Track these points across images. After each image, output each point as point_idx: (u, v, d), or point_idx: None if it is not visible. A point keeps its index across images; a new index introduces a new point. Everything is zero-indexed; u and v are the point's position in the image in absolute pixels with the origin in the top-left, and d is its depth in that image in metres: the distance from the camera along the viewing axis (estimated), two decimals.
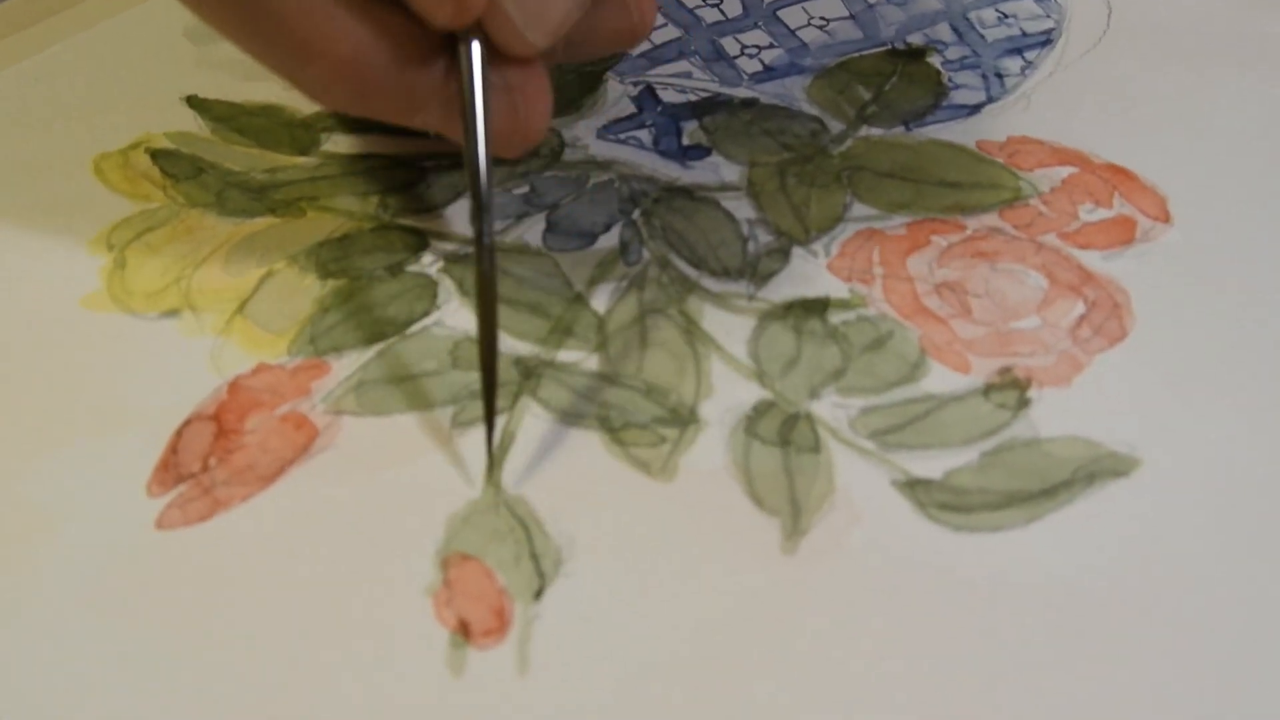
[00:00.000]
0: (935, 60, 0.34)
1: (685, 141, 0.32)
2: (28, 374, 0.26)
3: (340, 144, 0.32)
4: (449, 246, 0.29)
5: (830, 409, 0.25)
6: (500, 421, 0.25)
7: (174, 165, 0.31)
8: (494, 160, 0.25)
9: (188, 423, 0.25)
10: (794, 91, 0.34)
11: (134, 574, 0.23)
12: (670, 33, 0.35)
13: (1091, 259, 0.29)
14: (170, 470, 0.24)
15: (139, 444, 0.25)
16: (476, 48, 0.24)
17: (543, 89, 0.26)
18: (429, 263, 0.29)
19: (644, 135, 0.32)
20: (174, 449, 0.25)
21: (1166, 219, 0.30)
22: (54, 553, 0.23)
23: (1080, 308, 0.27)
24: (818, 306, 0.27)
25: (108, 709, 0.21)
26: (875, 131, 0.32)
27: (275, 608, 0.22)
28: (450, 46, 0.25)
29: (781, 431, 0.25)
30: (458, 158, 0.30)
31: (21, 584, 0.23)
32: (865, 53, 0.34)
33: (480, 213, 0.24)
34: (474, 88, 0.25)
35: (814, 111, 0.33)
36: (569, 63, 0.33)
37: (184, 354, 0.27)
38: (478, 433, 0.25)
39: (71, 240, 0.29)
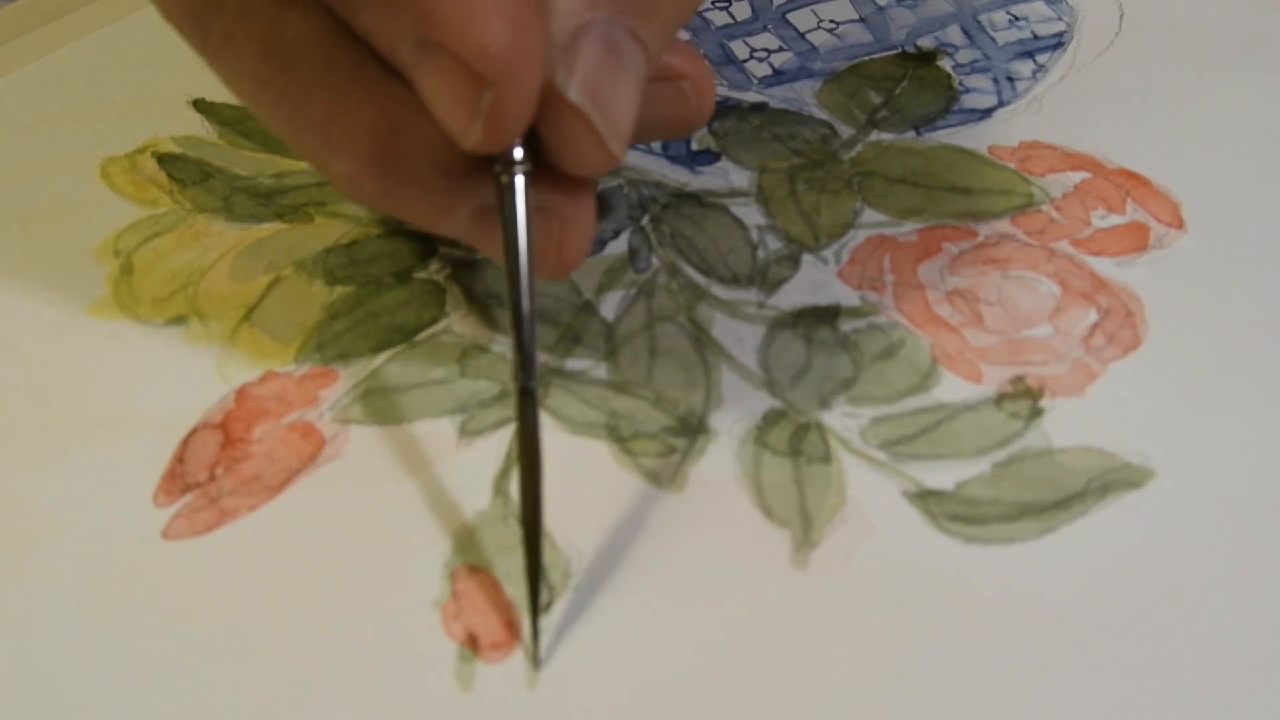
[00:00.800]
0: (946, 64, 0.34)
1: (694, 147, 0.32)
2: (34, 381, 0.26)
3: None
4: (457, 253, 0.29)
5: (841, 419, 0.25)
6: (509, 430, 0.25)
7: (181, 170, 0.31)
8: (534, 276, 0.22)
9: (194, 432, 0.25)
10: (804, 96, 0.33)
11: (140, 584, 0.23)
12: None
13: (1104, 266, 0.28)
14: (177, 480, 0.24)
15: (145, 453, 0.25)
16: (521, 182, 0.22)
17: (588, 211, 0.23)
18: (437, 269, 0.28)
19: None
20: (180, 458, 0.25)
21: (1180, 225, 0.29)
22: (60, 562, 0.23)
23: (1093, 315, 0.27)
24: (828, 314, 0.27)
25: (112, 718, 0.21)
26: (886, 136, 0.32)
27: (282, 619, 0.22)
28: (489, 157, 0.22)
29: (792, 442, 0.25)
30: None
31: (27, 593, 0.23)
32: (875, 56, 0.34)
33: (525, 365, 0.22)
34: (517, 228, 0.22)
35: (824, 116, 0.33)
36: None
37: (191, 362, 0.27)
38: (485, 442, 0.25)
39: (78, 246, 0.29)
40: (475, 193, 0.23)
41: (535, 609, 0.22)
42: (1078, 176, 0.31)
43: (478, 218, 0.23)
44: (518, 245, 0.22)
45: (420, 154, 0.22)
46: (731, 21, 0.36)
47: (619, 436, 0.25)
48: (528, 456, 0.22)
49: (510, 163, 0.22)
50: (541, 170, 0.22)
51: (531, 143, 0.22)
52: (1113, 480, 0.24)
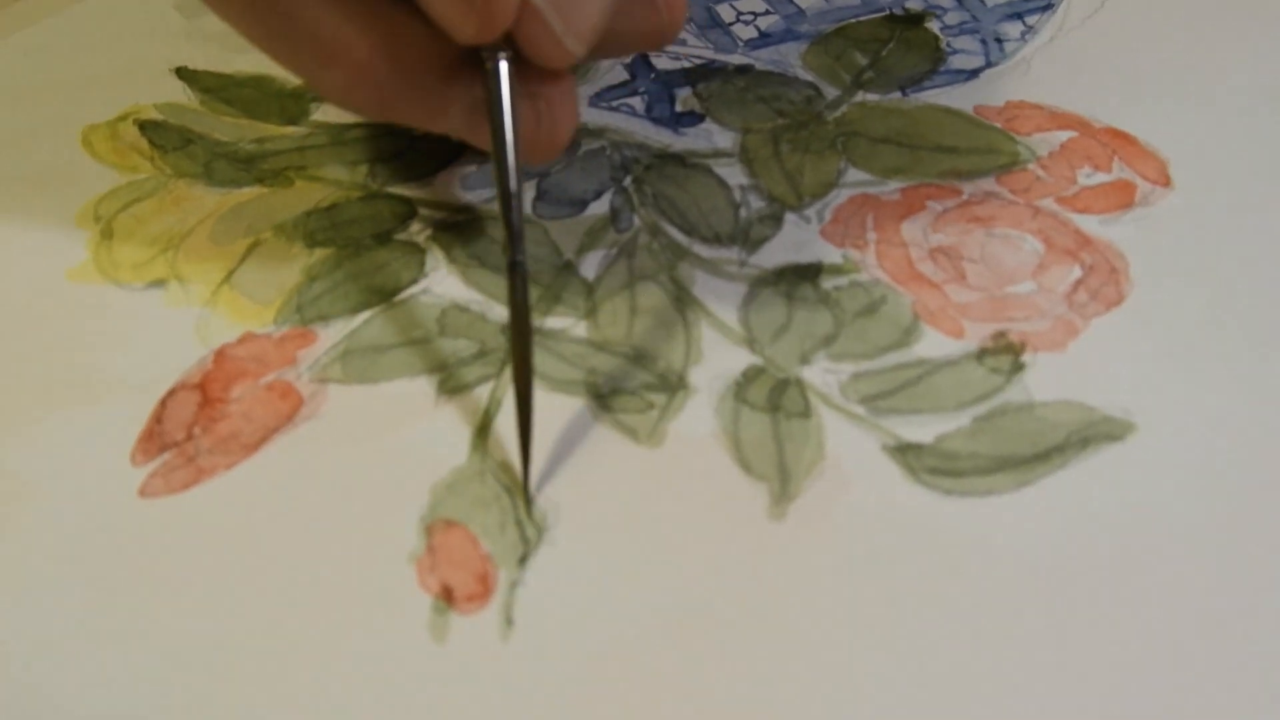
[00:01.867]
0: (934, 26, 0.34)
1: (678, 108, 0.32)
2: (13, 345, 0.26)
3: (329, 113, 0.31)
4: (437, 215, 0.29)
5: (821, 374, 0.25)
6: (488, 388, 0.25)
7: (162, 136, 0.31)
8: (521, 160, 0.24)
9: (172, 392, 0.25)
10: (789, 58, 0.33)
11: (117, 542, 0.23)
12: None
13: (1089, 224, 0.28)
14: (154, 439, 0.24)
15: (124, 414, 0.25)
16: (504, 67, 0.24)
17: (570, 96, 0.25)
18: (417, 231, 0.28)
19: (637, 102, 0.32)
20: (158, 418, 0.25)
21: (1167, 183, 0.29)
22: (38, 520, 0.23)
23: (1077, 272, 0.27)
24: (810, 272, 0.27)
25: (90, 676, 0.21)
26: (871, 97, 0.32)
27: (258, 575, 0.22)
28: (474, 52, 0.24)
29: (771, 397, 0.25)
30: None
31: (5, 554, 0.23)
32: (862, 18, 0.34)
33: (513, 240, 0.23)
34: (502, 108, 0.24)
35: (809, 78, 0.32)
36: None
37: (170, 324, 0.26)
38: (463, 400, 0.25)
39: (59, 212, 0.29)
40: (466, 90, 0.24)
41: (527, 471, 0.23)
42: (1064, 135, 0.30)
43: (470, 113, 0.25)
44: (504, 125, 0.23)
45: (413, 57, 0.24)
46: None
47: (598, 393, 0.25)
48: (517, 326, 0.23)
49: (495, 51, 0.23)
50: (523, 66, 0.24)
51: (512, 45, 0.24)
52: (1093, 434, 0.24)
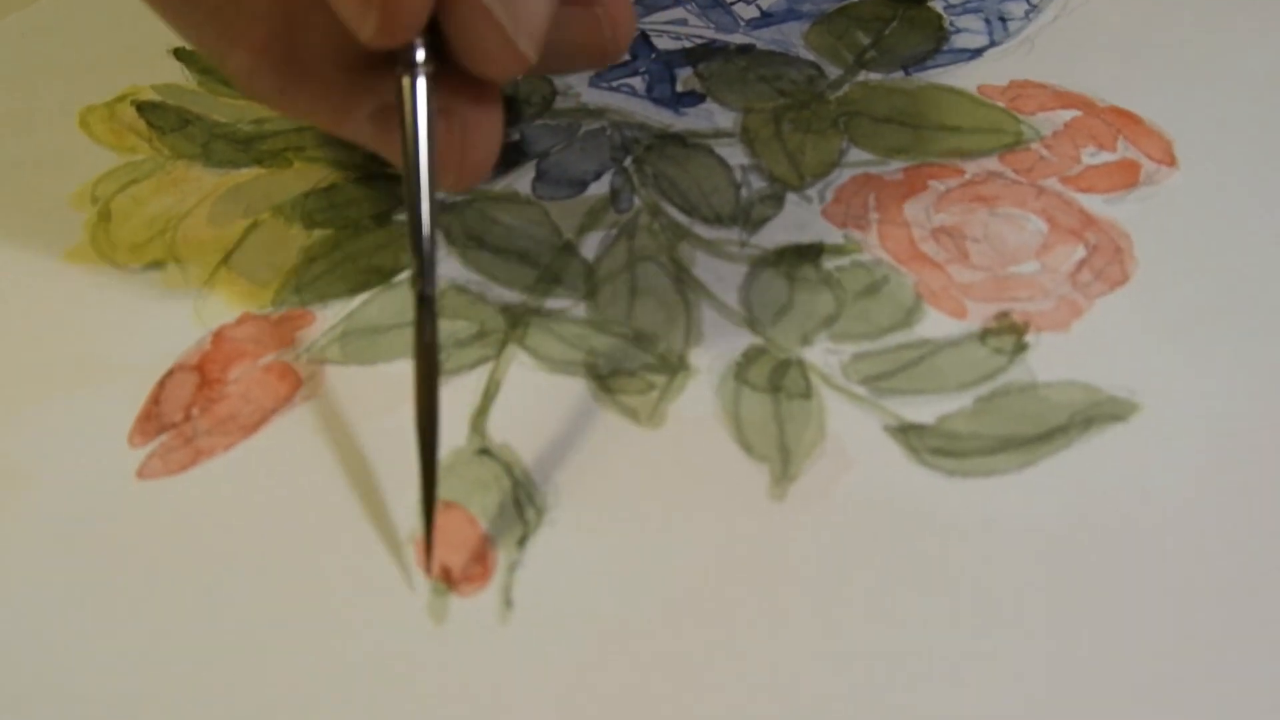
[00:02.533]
0: (937, 4, 0.34)
1: (679, 88, 0.31)
2: (12, 327, 0.26)
3: None
4: (436, 195, 0.28)
5: (822, 355, 0.25)
6: (487, 369, 0.25)
7: (160, 117, 0.31)
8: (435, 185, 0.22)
9: (170, 373, 0.25)
10: (791, 38, 0.33)
11: (115, 523, 0.23)
12: None
13: (1093, 203, 0.28)
14: (152, 421, 0.24)
15: (121, 396, 0.25)
16: (422, 84, 0.21)
17: (495, 116, 0.22)
18: None
19: (637, 82, 0.32)
20: (156, 400, 0.24)
21: (1171, 162, 0.29)
22: (35, 502, 0.23)
23: (1081, 252, 0.27)
24: (811, 252, 0.27)
25: (88, 658, 0.21)
26: (874, 77, 0.31)
27: (256, 557, 0.22)
28: (389, 52, 0.21)
29: (772, 378, 0.24)
30: None
31: (3, 537, 0.22)
32: None
33: (423, 271, 0.21)
34: (417, 128, 0.21)
35: (811, 57, 0.32)
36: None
37: (168, 306, 0.26)
38: (461, 381, 0.24)
39: (56, 193, 0.29)
40: (376, 91, 0.22)
41: (430, 517, 0.21)
42: (1068, 115, 0.30)
43: (378, 119, 0.22)
44: (417, 150, 0.21)
45: (317, 46, 0.21)
46: None
47: (597, 374, 0.25)
48: (424, 364, 0.21)
49: (412, 64, 0.21)
50: (448, 74, 0.21)
51: (436, 43, 0.21)
52: (1097, 414, 0.24)
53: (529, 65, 0.21)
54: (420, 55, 0.21)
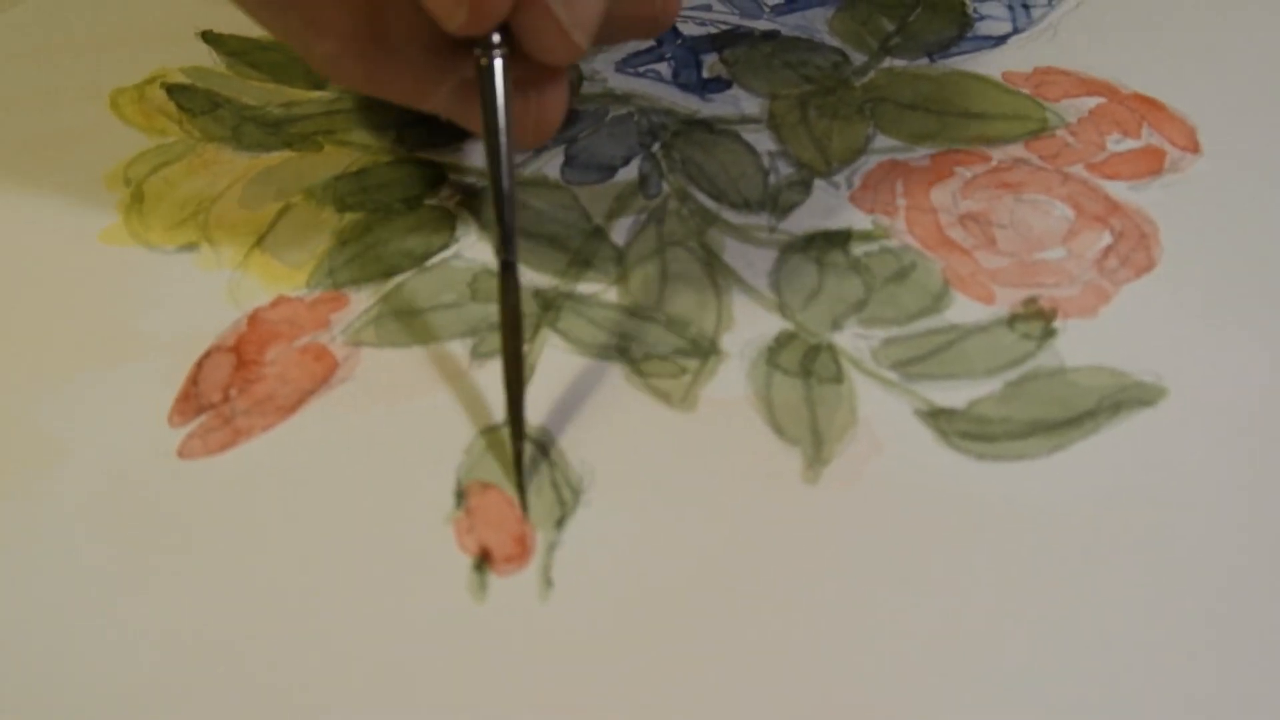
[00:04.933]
0: None
1: (705, 74, 0.32)
2: (48, 307, 0.26)
3: None
4: (467, 179, 0.29)
5: (852, 340, 0.25)
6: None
7: (190, 100, 0.31)
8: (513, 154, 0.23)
9: (208, 354, 0.25)
10: (816, 24, 0.33)
11: (156, 502, 0.23)
12: None
13: (1119, 189, 0.28)
14: (191, 401, 0.24)
15: (159, 376, 0.25)
16: (499, 65, 0.23)
17: (563, 86, 0.25)
18: (446, 196, 0.28)
19: (663, 68, 0.32)
20: (194, 380, 0.25)
21: (1195, 149, 0.29)
22: (77, 480, 0.23)
23: (1107, 238, 0.27)
24: (840, 238, 0.27)
25: (129, 635, 0.21)
26: (898, 63, 0.32)
27: (296, 536, 0.22)
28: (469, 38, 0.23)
29: (803, 362, 0.25)
30: None
31: (45, 510, 0.23)
32: None
33: (507, 240, 0.23)
34: (497, 108, 0.23)
35: (836, 43, 0.32)
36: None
37: (202, 287, 0.27)
38: (497, 364, 0.25)
39: (89, 175, 0.29)
40: (455, 69, 0.24)
41: (520, 469, 0.23)
42: (1093, 101, 0.30)
43: (458, 93, 0.24)
44: (498, 127, 0.23)
45: (403, 33, 0.23)
46: None
47: (630, 358, 0.25)
48: (510, 325, 0.23)
49: (490, 46, 0.23)
50: (518, 57, 0.23)
51: (506, 34, 0.23)
52: (1125, 398, 0.24)
53: (584, 53, 0.23)
54: (497, 38, 0.23)
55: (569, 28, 0.22)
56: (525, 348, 0.25)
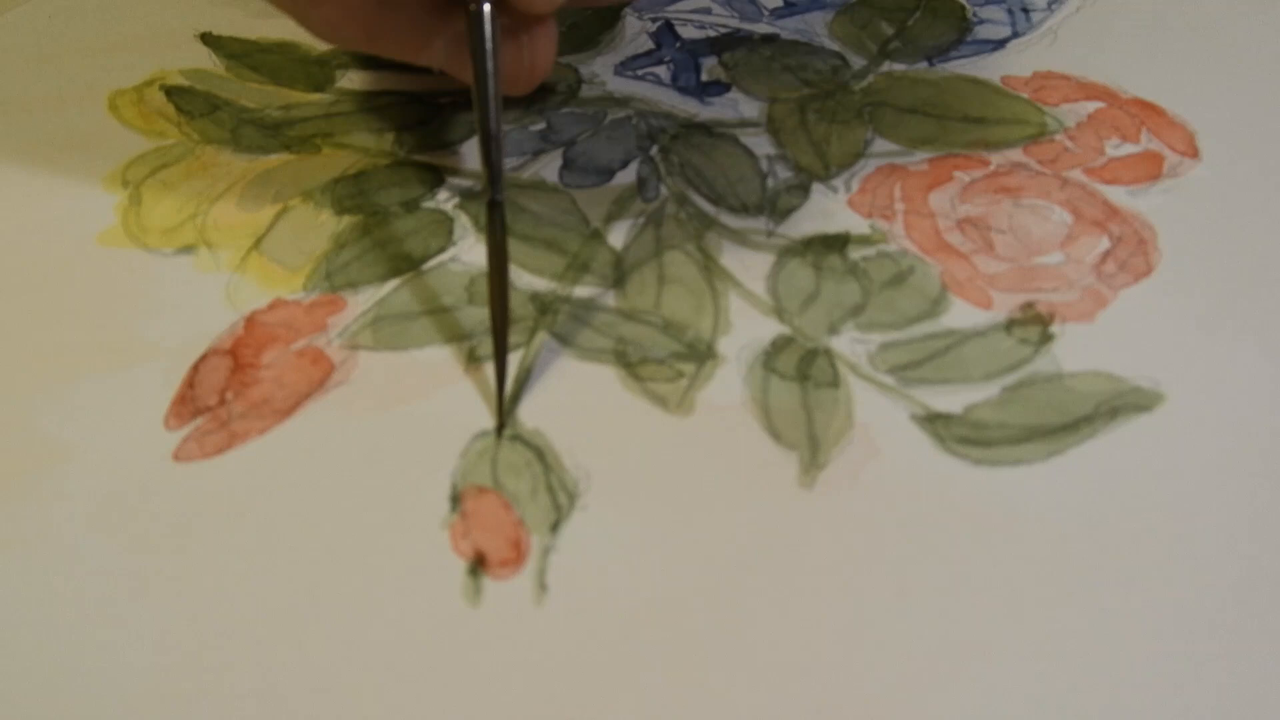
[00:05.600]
0: None
1: (704, 78, 0.32)
2: (45, 309, 0.26)
3: (355, 80, 0.31)
4: (465, 182, 0.29)
5: (850, 344, 0.25)
6: (516, 357, 0.25)
7: (188, 102, 0.31)
8: (502, 97, 0.25)
9: (204, 357, 0.25)
10: (815, 27, 0.33)
11: (151, 505, 0.23)
12: None
13: (1118, 194, 0.28)
14: (187, 404, 0.24)
15: (156, 378, 0.25)
16: (487, 10, 0.24)
17: (551, 32, 0.26)
18: (444, 199, 0.28)
19: (662, 72, 0.32)
20: (191, 383, 0.25)
21: (1194, 154, 0.29)
22: (73, 484, 0.23)
23: (1105, 243, 0.27)
24: (838, 242, 0.27)
25: (123, 639, 0.21)
26: (898, 67, 0.32)
27: (291, 541, 0.22)
28: None
29: (800, 367, 0.25)
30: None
31: (41, 514, 0.23)
32: None
33: (494, 179, 0.24)
34: (485, 53, 0.24)
35: (835, 47, 0.32)
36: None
37: (200, 290, 0.27)
38: (492, 367, 0.25)
39: (87, 177, 0.29)
40: (450, 23, 0.26)
41: (501, 397, 0.24)
42: (1092, 106, 0.30)
43: (453, 46, 0.26)
44: (486, 70, 0.24)
45: None
46: None
47: (627, 362, 0.25)
48: (495, 261, 0.24)
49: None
50: (506, 5, 0.25)
51: None
52: (1122, 404, 0.24)
53: (559, 3, 0.24)
54: None
55: None
56: (520, 351, 0.25)
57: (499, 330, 0.24)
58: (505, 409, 0.24)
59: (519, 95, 0.27)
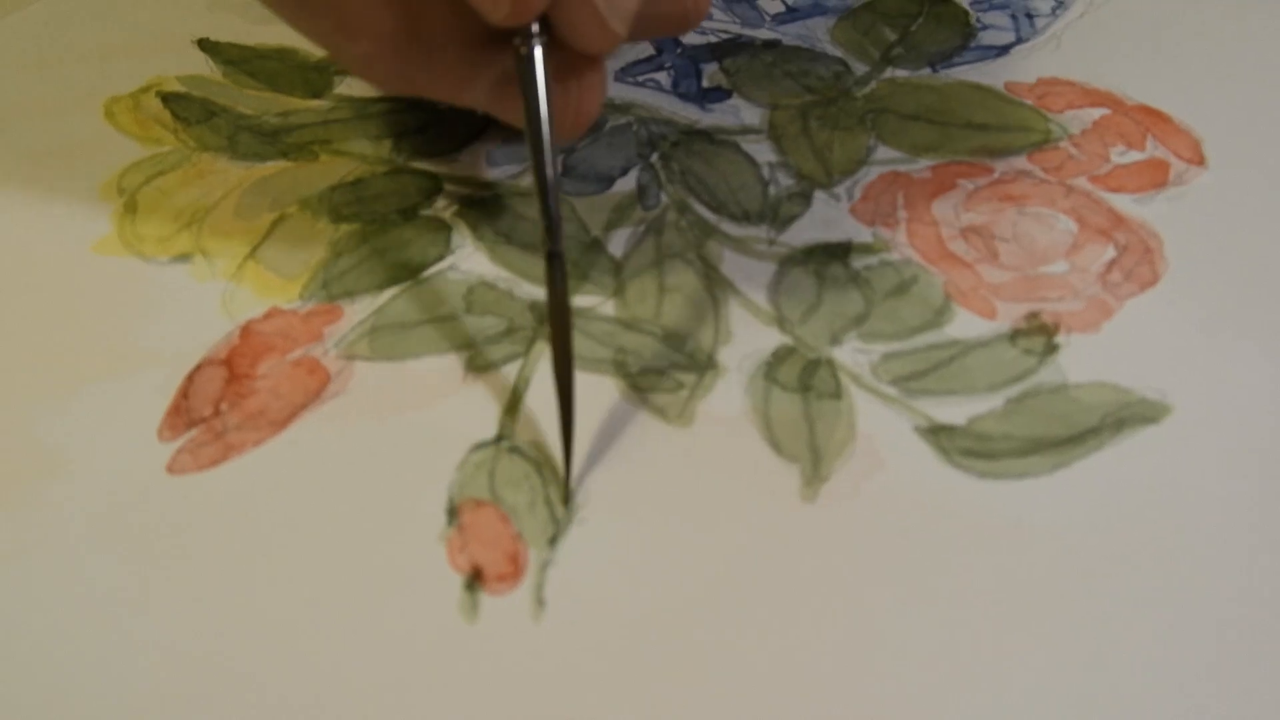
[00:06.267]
0: (964, 0, 0.33)
1: (705, 84, 0.31)
2: (40, 318, 0.26)
3: (353, 87, 0.31)
4: (463, 190, 0.28)
5: (852, 355, 0.25)
6: (516, 366, 0.25)
7: (185, 109, 0.31)
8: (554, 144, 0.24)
9: (199, 368, 0.25)
10: (817, 33, 0.33)
11: (145, 518, 0.23)
12: None
13: (1123, 202, 0.28)
14: (181, 415, 0.24)
15: (150, 389, 0.25)
16: (539, 53, 0.23)
17: (600, 74, 0.25)
18: (443, 207, 0.28)
19: (663, 78, 0.31)
20: (185, 394, 0.24)
21: (1200, 161, 0.29)
22: (66, 495, 0.23)
23: (1111, 252, 0.27)
24: (840, 251, 0.27)
25: (118, 651, 0.21)
26: (900, 73, 0.31)
27: (287, 553, 0.22)
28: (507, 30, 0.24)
29: (802, 377, 0.24)
30: None
31: (34, 527, 0.23)
32: None
33: (552, 230, 0.23)
34: (538, 96, 0.23)
35: (838, 53, 0.32)
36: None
37: (196, 299, 0.26)
38: (491, 377, 0.24)
39: (83, 184, 0.29)
40: (493, 63, 0.24)
41: (569, 463, 0.23)
42: (1097, 113, 0.30)
43: (496, 87, 0.25)
44: (540, 115, 0.23)
45: (440, 29, 0.24)
46: None
47: (627, 372, 0.25)
48: (558, 317, 0.23)
49: (529, 35, 0.23)
50: (555, 46, 0.23)
51: (544, 24, 0.23)
52: (1128, 415, 0.24)
53: (621, 41, 0.23)
54: (536, 27, 0.23)
55: (607, 16, 0.23)
56: (519, 361, 0.25)
57: (564, 393, 0.23)
58: (570, 481, 0.23)
59: (566, 140, 0.26)
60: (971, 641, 0.21)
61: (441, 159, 0.29)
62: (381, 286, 0.26)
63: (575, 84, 0.24)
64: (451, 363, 0.25)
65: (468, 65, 0.24)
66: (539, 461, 0.23)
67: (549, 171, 0.23)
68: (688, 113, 0.30)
